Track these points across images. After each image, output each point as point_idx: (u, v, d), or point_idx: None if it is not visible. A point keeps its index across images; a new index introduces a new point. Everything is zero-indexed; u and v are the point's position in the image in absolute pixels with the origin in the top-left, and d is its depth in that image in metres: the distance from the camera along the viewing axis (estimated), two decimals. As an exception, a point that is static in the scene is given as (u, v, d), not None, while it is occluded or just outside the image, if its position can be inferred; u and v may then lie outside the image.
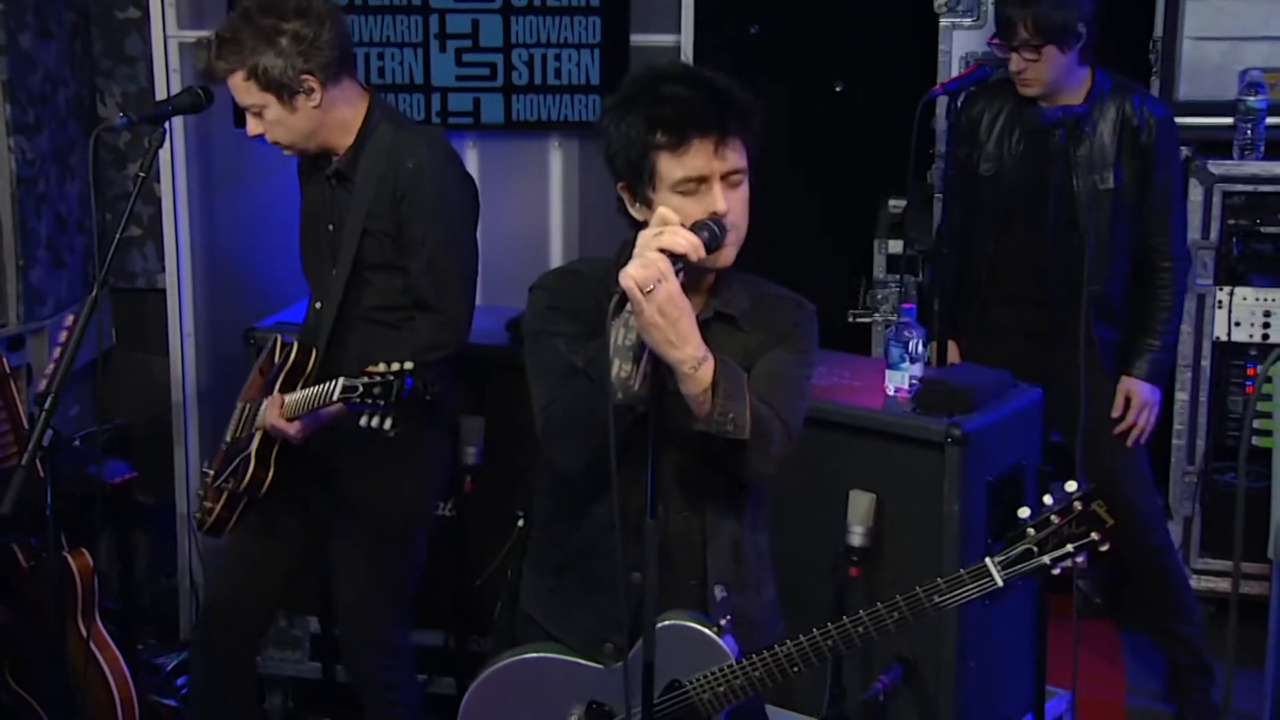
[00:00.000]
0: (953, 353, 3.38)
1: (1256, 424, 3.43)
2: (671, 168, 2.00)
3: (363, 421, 2.52)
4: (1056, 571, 2.04)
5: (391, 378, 2.49)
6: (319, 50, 2.67)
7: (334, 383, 2.57)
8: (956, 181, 3.36)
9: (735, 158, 2.02)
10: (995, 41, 3.26)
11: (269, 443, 2.75)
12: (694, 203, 2.01)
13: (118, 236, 2.57)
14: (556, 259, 3.77)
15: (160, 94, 3.65)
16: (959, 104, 3.34)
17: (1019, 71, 3.20)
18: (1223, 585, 3.69)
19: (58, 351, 2.71)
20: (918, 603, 2.05)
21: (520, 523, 2.99)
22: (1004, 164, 3.30)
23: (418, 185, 2.71)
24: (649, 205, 2.03)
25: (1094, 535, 2.01)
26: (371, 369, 2.52)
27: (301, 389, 2.73)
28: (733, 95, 2.03)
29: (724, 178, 2.02)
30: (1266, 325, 3.65)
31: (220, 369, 3.77)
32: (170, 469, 3.85)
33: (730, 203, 2.02)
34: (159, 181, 3.75)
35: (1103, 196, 3.16)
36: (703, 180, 2.01)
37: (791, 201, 4.10)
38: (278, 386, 2.77)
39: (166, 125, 2.66)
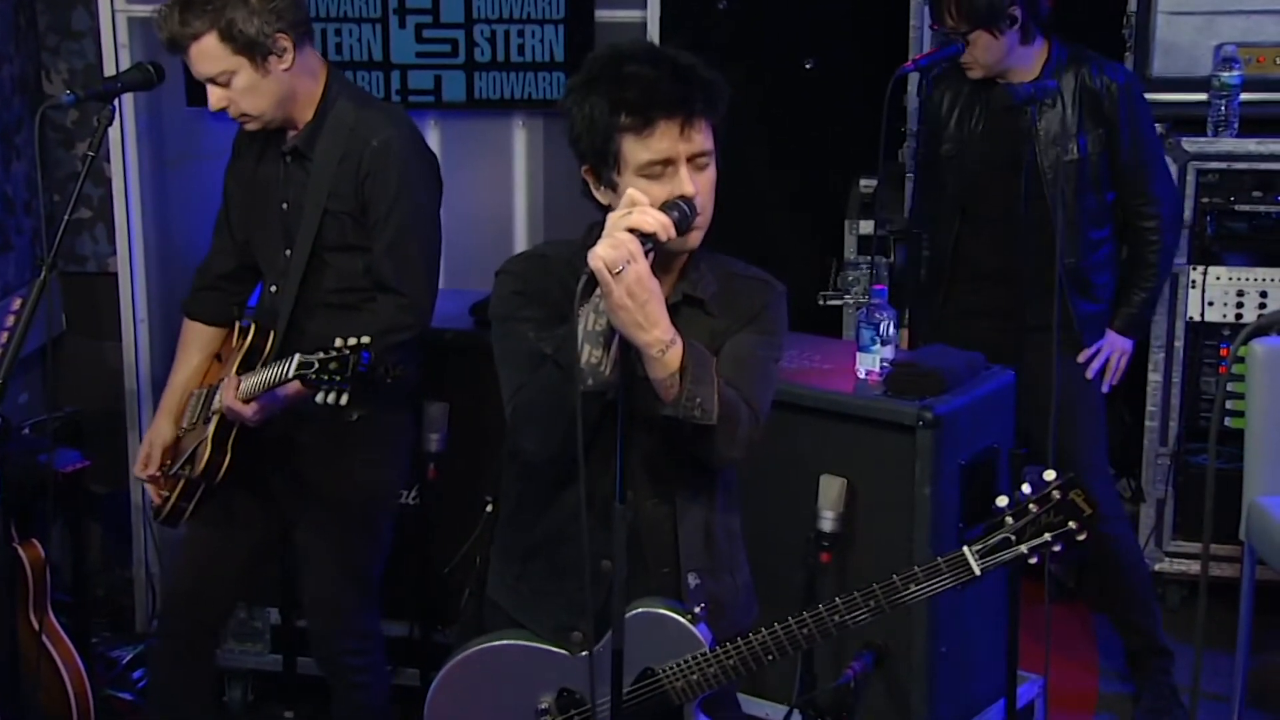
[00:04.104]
0: (902, 340, 3.36)
1: (1229, 405, 3.43)
2: (636, 150, 1.97)
3: (319, 398, 2.47)
4: (1034, 561, 2.03)
5: (348, 352, 2.44)
6: (288, 8, 2.62)
7: (290, 360, 2.53)
8: (923, 162, 3.34)
9: (701, 139, 1.99)
10: (935, 26, 3.24)
11: (226, 427, 2.70)
12: (660, 186, 1.98)
13: (66, 218, 2.51)
14: (521, 241, 3.72)
15: (109, 70, 3.54)
16: (922, 84, 3.32)
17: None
18: (1195, 568, 3.70)
19: (4, 336, 2.66)
20: (894, 591, 2.03)
21: (489, 508, 2.95)
22: (965, 144, 3.28)
23: (383, 165, 2.65)
24: (614, 189, 2.01)
25: (1071, 524, 2.01)
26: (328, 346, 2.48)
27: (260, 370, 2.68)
28: (698, 74, 2.00)
29: (690, 160, 1.99)
30: (1240, 305, 3.64)
31: (174, 355, 3.69)
32: (124, 457, 3.76)
33: (697, 185, 1.99)
34: (109, 161, 3.65)
35: (1068, 168, 3.14)
36: (669, 163, 1.98)
37: (761, 182, 4.06)
38: (234, 369, 2.72)
39: (115, 103, 2.60)
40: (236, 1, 2.57)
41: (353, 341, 2.45)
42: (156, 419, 2.91)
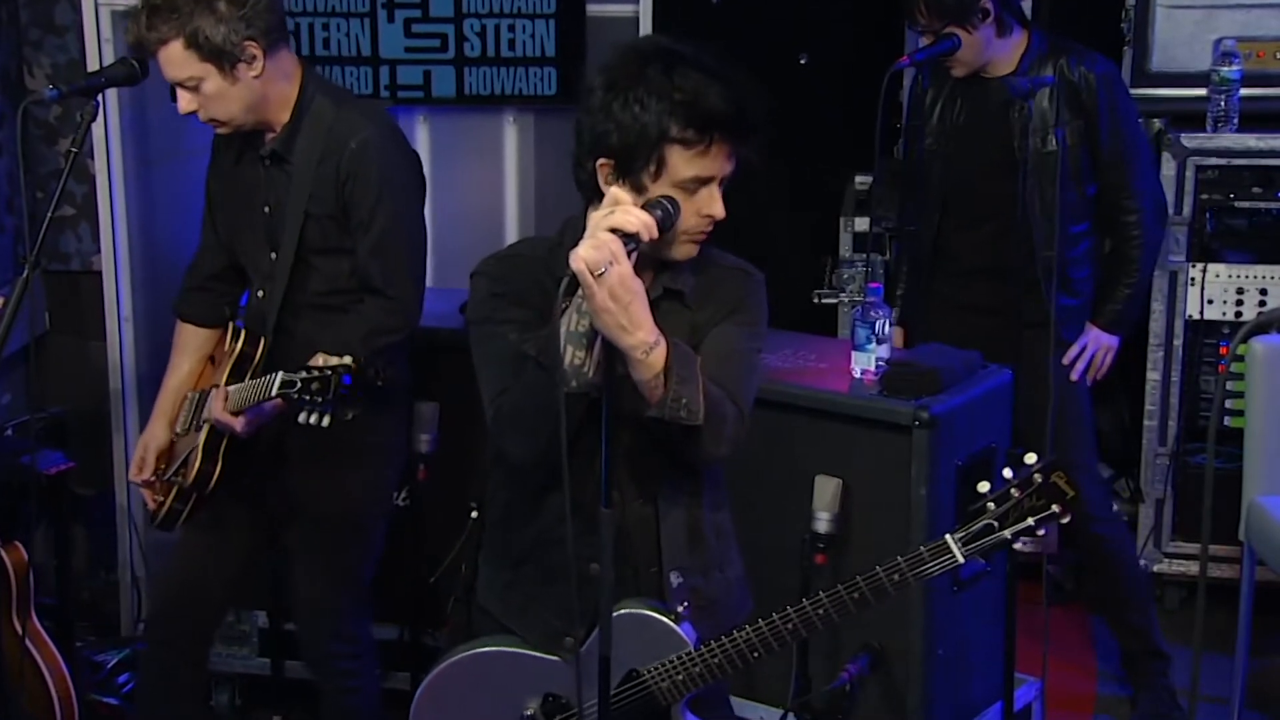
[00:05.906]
0: (898, 337, 3.32)
1: (1229, 404, 3.40)
2: (683, 165, 1.95)
3: (301, 418, 2.47)
4: (1018, 545, 2.02)
5: (329, 373, 2.43)
6: (259, 15, 2.57)
7: (273, 376, 2.51)
8: (911, 157, 3.33)
9: (734, 162, 1.99)
10: (909, 26, 3.23)
11: (216, 436, 2.69)
12: (691, 201, 1.96)
13: (49, 216, 2.50)
14: (512, 239, 3.68)
15: (92, 65, 3.50)
16: (919, 79, 3.30)
17: None
18: (1194, 569, 3.68)
19: (-13, 336, 2.61)
20: (877, 582, 2.02)
21: (474, 514, 2.92)
22: (947, 138, 3.25)
23: (363, 166, 2.62)
24: (640, 190, 1.96)
25: (1054, 507, 2.00)
26: (312, 363, 2.46)
27: (249, 380, 2.66)
28: (754, 96, 1.98)
29: (719, 180, 1.98)
30: (1239, 303, 3.61)
31: (160, 355, 3.63)
32: (109, 459, 3.73)
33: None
34: (92, 158, 3.61)
35: (1046, 160, 3.10)
36: (708, 181, 1.96)
37: (754, 178, 4.00)
38: (224, 377, 2.70)
39: (99, 98, 2.58)
40: (204, 9, 2.53)
41: (334, 362, 2.43)
42: (151, 423, 2.88)
